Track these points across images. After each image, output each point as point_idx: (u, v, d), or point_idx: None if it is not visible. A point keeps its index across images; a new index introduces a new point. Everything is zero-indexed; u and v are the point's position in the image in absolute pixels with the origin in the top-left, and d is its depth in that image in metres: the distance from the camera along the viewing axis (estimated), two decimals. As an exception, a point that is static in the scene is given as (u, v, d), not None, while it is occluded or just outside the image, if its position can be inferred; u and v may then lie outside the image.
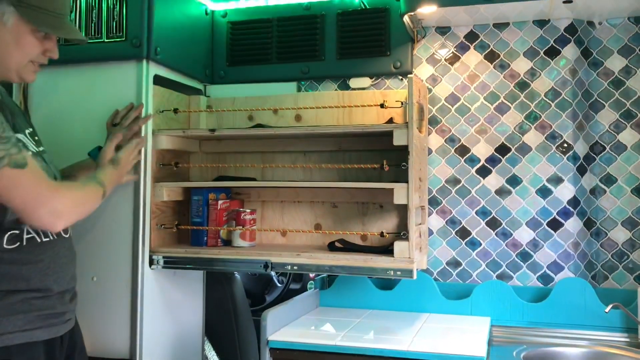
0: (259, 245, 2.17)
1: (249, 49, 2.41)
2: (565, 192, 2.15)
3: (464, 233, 2.24)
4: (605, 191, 2.15)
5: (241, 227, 2.06)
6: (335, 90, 2.35)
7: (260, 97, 2.31)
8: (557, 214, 2.15)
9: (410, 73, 2.25)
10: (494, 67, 2.23)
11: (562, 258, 2.15)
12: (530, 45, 2.20)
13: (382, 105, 2.00)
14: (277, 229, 2.25)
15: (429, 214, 2.26)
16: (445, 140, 2.27)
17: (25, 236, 1.46)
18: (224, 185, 2.18)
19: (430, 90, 2.28)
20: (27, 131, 1.54)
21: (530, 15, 2.16)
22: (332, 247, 2.03)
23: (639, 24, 2.14)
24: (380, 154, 2.04)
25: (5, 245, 1.42)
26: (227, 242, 2.11)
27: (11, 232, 1.43)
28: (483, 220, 2.22)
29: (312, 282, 3.32)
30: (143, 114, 1.94)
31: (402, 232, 1.87)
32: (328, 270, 1.91)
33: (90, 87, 2.00)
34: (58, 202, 1.39)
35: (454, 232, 2.25)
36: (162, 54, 2.01)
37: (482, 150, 2.23)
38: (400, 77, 2.30)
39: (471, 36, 2.26)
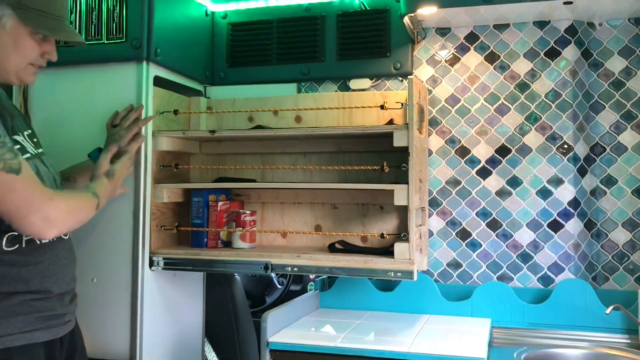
0: (259, 246, 2.17)
1: (249, 50, 2.41)
2: (565, 193, 2.15)
3: (464, 234, 2.24)
4: (605, 192, 2.15)
5: (241, 228, 2.06)
6: (336, 91, 2.35)
7: (260, 98, 2.31)
8: (557, 215, 2.15)
9: (411, 74, 2.25)
10: (494, 68, 2.23)
11: (562, 259, 2.14)
12: (531, 47, 2.20)
13: (382, 107, 2.00)
14: (277, 230, 2.25)
15: (430, 215, 2.26)
16: (445, 142, 2.26)
17: (24, 238, 1.46)
18: (224, 187, 2.18)
19: (430, 92, 2.28)
20: (25, 133, 1.54)
21: (530, 17, 2.16)
22: (332, 249, 2.03)
23: (639, 25, 2.14)
24: (380, 155, 2.04)
25: (4, 247, 1.42)
26: (227, 244, 2.11)
27: (10, 233, 1.43)
28: (483, 222, 2.22)
29: (312, 283, 3.31)
30: (143, 116, 1.94)
31: (402, 234, 1.87)
32: (328, 271, 1.90)
33: (90, 88, 2.00)
34: (51, 209, 1.39)
35: (454, 234, 2.25)
36: (162, 56, 2.01)
37: (483, 151, 2.23)
38: (401, 79, 2.29)
39: (471, 37, 2.26)
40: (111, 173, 1.73)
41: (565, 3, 1.98)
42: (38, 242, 1.49)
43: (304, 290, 3.40)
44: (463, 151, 2.25)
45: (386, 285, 2.30)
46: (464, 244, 2.24)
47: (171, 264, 1.99)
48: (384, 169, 1.89)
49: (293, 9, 2.37)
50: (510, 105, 2.21)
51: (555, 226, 2.15)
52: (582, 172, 2.15)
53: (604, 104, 2.16)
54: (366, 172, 2.11)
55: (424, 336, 1.92)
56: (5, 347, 1.39)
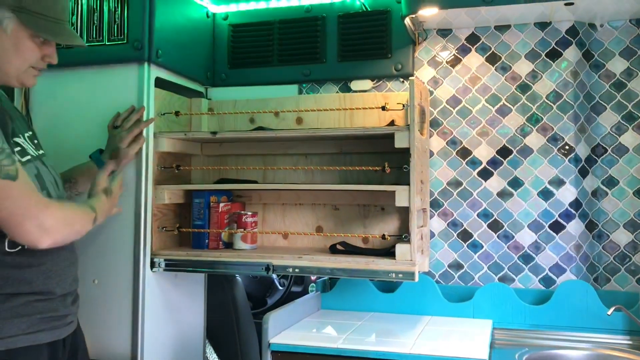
0: (260, 247, 2.17)
1: (250, 52, 2.41)
2: (567, 194, 2.14)
3: (465, 235, 2.24)
4: (607, 193, 2.15)
5: (242, 229, 2.06)
6: (337, 92, 2.35)
7: (261, 99, 2.31)
8: (558, 216, 2.15)
9: (412, 75, 2.25)
10: (495, 69, 2.23)
11: (564, 260, 2.14)
12: (532, 48, 2.20)
13: (383, 108, 2.00)
14: (278, 231, 2.25)
15: (431, 217, 2.26)
16: (446, 143, 2.26)
17: None
18: (225, 188, 2.18)
19: (431, 93, 2.28)
20: (26, 134, 1.54)
21: (531, 18, 2.16)
22: (333, 250, 2.03)
23: (640, 26, 2.14)
24: (381, 157, 2.04)
25: (7, 249, 1.42)
26: (229, 245, 2.11)
27: (13, 235, 1.43)
28: (485, 223, 2.22)
29: (313, 284, 3.32)
30: (144, 117, 1.94)
31: (403, 235, 1.87)
32: (329, 272, 1.90)
33: (92, 89, 2.00)
34: (47, 217, 1.38)
35: (455, 235, 2.25)
36: (163, 57, 2.01)
37: (484, 152, 2.23)
38: (402, 80, 2.30)
39: (472, 38, 2.26)
40: (109, 190, 1.71)
41: (566, 4, 1.98)
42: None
43: (305, 292, 3.40)
44: (464, 152, 2.25)
45: (387, 286, 2.30)
46: (465, 245, 2.23)
47: (172, 265, 1.99)
48: (385, 170, 1.89)
49: (294, 10, 2.37)
50: (511, 107, 2.21)
51: (557, 227, 2.15)
52: (583, 173, 2.15)
53: (605, 105, 2.16)
54: (367, 173, 2.11)
55: (425, 337, 1.92)
56: (8, 349, 1.39)
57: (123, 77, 1.97)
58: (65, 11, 1.55)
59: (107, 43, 1.99)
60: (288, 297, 3.37)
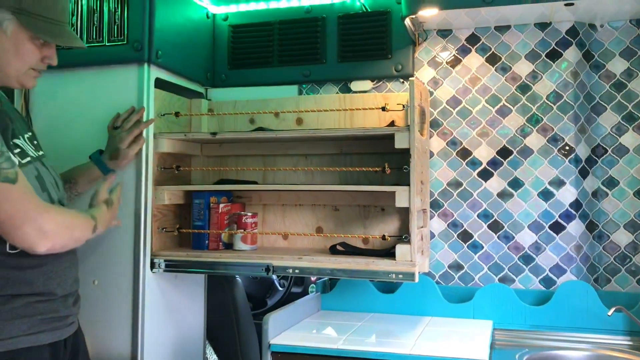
0: (260, 248, 2.17)
1: (250, 52, 2.41)
2: (567, 195, 2.14)
3: (465, 236, 2.23)
4: (607, 194, 2.15)
5: (242, 230, 2.06)
6: (337, 93, 2.35)
7: (261, 100, 2.31)
8: (559, 216, 2.15)
9: (412, 76, 2.25)
10: (495, 70, 2.23)
11: (564, 261, 2.14)
12: (532, 48, 2.19)
13: (383, 108, 2.00)
14: (278, 232, 2.25)
15: (431, 217, 2.26)
16: (446, 143, 2.26)
17: None
18: (225, 189, 2.18)
19: (431, 93, 2.28)
20: (26, 136, 1.54)
21: (531, 18, 2.16)
22: (333, 251, 2.03)
23: (640, 27, 2.14)
24: (381, 157, 2.04)
25: (8, 250, 1.42)
26: (229, 246, 2.11)
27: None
28: (485, 224, 2.22)
29: (313, 285, 3.32)
30: (144, 118, 1.94)
31: (403, 235, 1.86)
32: (329, 273, 1.90)
33: (92, 90, 2.00)
34: (46, 221, 1.37)
35: (455, 235, 2.24)
36: (163, 58, 2.01)
37: (484, 153, 2.23)
38: (402, 80, 2.29)
39: (472, 39, 2.26)
40: (110, 202, 1.70)
41: (566, 4, 1.98)
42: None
43: (305, 293, 3.40)
44: (464, 153, 2.25)
45: (388, 287, 2.30)
46: (465, 246, 2.23)
47: (172, 266, 1.99)
48: (385, 171, 1.89)
49: (294, 11, 2.37)
50: (511, 107, 2.21)
51: (557, 228, 2.15)
52: (583, 173, 2.15)
53: (606, 105, 2.16)
54: (367, 173, 2.11)
55: (425, 338, 1.91)
56: (10, 350, 1.39)
57: (123, 77, 1.97)
58: (65, 12, 1.55)
59: (107, 44, 1.99)
60: (288, 298, 3.37)
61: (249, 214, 2.09)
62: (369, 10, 2.29)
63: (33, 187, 1.44)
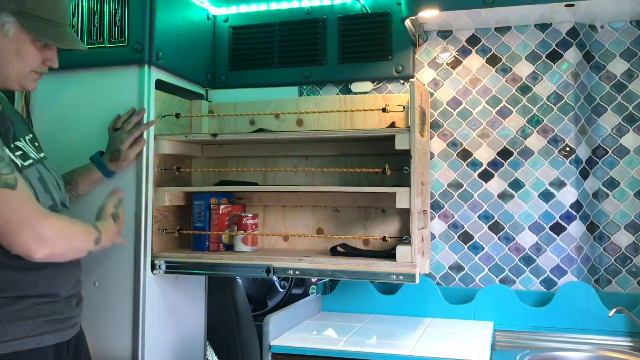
0: (261, 250, 2.17)
1: (250, 54, 2.41)
2: (567, 196, 2.14)
3: (466, 237, 2.23)
4: (608, 195, 2.15)
5: (243, 231, 2.06)
6: (337, 94, 2.35)
7: (261, 101, 2.31)
8: (559, 217, 2.15)
9: (412, 77, 2.25)
10: (495, 71, 2.23)
11: (565, 262, 2.14)
12: (532, 49, 2.20)
13: (384, 110, 2.00)
14: (279, 233, 2.25)
15: (431, 218, 2.26)
16: (447, 145, 2.26)
17: None
18: (225, 190, 2.18)
19: (432, 95, 2.28)
20: (27, 137, 1.54)
21: (531, 19, 2.16)
22: (334, 252, 2.03)
23: (640, 28, 2.14)
24: (382, 158, 2.04)
25: (12, 252, 1.42)
26: (229, 247, 2.11)
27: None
28: (485, 225, 2.22)
29: (314, 286, 3.32)
30: (145, 119, 1.94)
31: (404, 237, 1.86)
32: (330, 274, 1.90)
33: (92, 92, 2.00)
34: (45, 227, 1.36)
35: (456, 237, 2.24)
36: (163, 59, 2.01)
37: (484, 154, 2.23)
38: (402, 82, 2.29)
39: (473, 40, 2.26)
40: (116, 216, 1.70)
41: (566, 5, 1.98)
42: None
43: (305, 294, 3.40)
44: (465, 154, 2.24)
45: (388, 288, 2.30)
46: (466, 247, 2.23)
47: (173, 268, 1.99)
48: (385, 172, 1.89)
49: (294, 12, 2.37)
50: (512, 108, 2.21)
51: (558, 229, 2.15)
52: (584, 174, 2.15)
53: (606, 106, 2.16)
54: (368, 175, 2.10)
55: (426, 339, 1.91)
56: (14, 351, 1.39)
57: (123, 79, 1.97)
58: (66, 15, 1.56)
59: (107, 45, 1.99)
60: (289, 299, 3.37)
61: (250, 215, 2.09)
62: (369, 11, 2.29)
63: (36, 189, 1.44)
